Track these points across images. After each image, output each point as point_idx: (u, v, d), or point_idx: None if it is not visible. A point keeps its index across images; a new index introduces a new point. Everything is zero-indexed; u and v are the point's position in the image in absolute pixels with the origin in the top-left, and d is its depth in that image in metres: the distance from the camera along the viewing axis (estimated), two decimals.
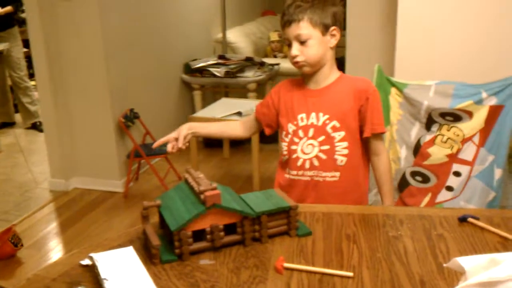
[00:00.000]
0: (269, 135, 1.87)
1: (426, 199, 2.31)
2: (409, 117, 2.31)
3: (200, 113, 3.64)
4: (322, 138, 1.64)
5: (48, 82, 3.50)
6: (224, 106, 3.67)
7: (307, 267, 1.17)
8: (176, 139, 1.69)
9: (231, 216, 1.24)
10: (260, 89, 4.41)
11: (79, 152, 3.70)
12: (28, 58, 4.79)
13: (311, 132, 1.65)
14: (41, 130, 4.61)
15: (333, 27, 1.62)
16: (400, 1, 2.37)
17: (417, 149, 2.31)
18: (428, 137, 2.28)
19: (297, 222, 1.32)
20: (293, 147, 1.68)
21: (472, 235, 1.31)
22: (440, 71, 2.34)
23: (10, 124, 5.33)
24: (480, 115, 2.19)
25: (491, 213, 1.47)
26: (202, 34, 4.88)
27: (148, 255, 1.22)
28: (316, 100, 1.67)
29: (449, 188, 2.28)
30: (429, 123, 2.28)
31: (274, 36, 5.38)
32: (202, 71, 4.38)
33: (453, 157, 2.25)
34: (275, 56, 5.32)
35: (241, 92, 4.40)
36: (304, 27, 1.58)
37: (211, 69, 4.35)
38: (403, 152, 2.33)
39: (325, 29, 1.61)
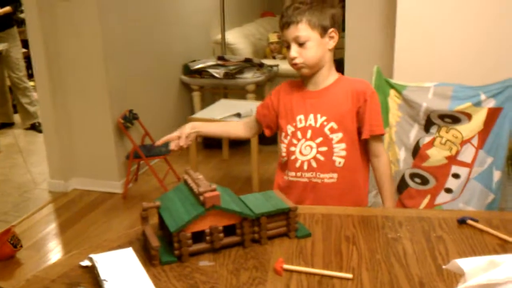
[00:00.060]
0: (268, 137, 1.87)
1: (425, 201, 2.32)
2: (408, 119, 2.31)
3: (199, 114, 3.64)
4: (320, 139, 1.65)
5: (47, 83, 3.50)
6: (223, 107, 3.67)
7: (307, 268, 1.17)
8: (179, 138, 1.70)
9: (230, 218, 1.24)
10: (259, 91, 4.42)
11: (78, 153, 3.70)
12: (27, 58, 4.80)
13: (309, 133, 1.65)
14: (40, 131, 4.60)
15: (331, 29, 1.62)
16: (399, 2, 2.37)
17: (416, 151, 2.31)
18: (427, 139, 2.29)
19: (296, 223, 1.32)
20: (292, 148, 1.68)
21: (471, 237, 1.31)
22: (439, 73, 2.35)
23: (9, 125, 5.32)
24: (479, 117, 2.19)
25: (490, 215, 1.47)
26: (201, 35, 4.88)
27: (147, 256, 1.22)
28: (314, 101, 1.67)
29: (448, 190, 2.28)
30: (428, 125, 2.28)
31: (273, 38, 5.38)
32: (201, 72, 4.38)
33: (452, 159, 2.25)
34: (274, 58, 5.32)
35: (240, 93, 4.41)
36: (303, 29, 1.59)
37: (210, 70, 4.35)
38: (402, 154, 2.33)
39: (323, 31, 1.61)
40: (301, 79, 1.72)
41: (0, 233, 2.85)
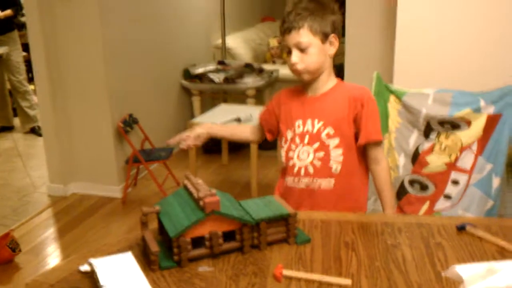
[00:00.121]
0: (270, 141, 1.89)
1: (425, 207, 2.32)
2: (408, 125, 2.31)
3: (199, 119, 3.64)
4: (317, 144, 1.65)
5: (48, 86, 3.50)
6: (223, 112, 3.68)
7: (306, 274, 1.17)
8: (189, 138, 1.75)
9: (230, 223, 1.24)
10: (259, 95, 4.42)
11: (77, 157, 3.70)
12: (28, 62, 4.80)
13: (306, 138, 1.66)
14: (40, 135, 4.61)
15: (332, 35, 1.62)
16: (399, 9, 2.38)
17: (416, 157, 2.31)
18: (426, 145, 2.29)
19: (296, 229, 1.32)
20: (290, 154, 1.69)
21: (470, 244, 1.31)
22: (438, 78, 2.35)
23: (9, 128, 5.33)
24: (478, 124, 2.20)
25: (489, 222, 1.47)
26: (201, 40, 4.89)
27: (147, 261, 1.22)
28: (312, 107, 1.67)
29: (448, 197, 2.28)
30: (427, 131, 2.29)
31: (274, 42, 5.39)
32: (201, 77, 4.39)
33: (451, 166, 2.26)
34: (274, 62, 5.33)
35: (240, 98, 4.41)
36: (304, 35, 1.59)
37: (210, 75, 4.36)
38: (402, 160, 2.34)
39: (324, 37, 1.61)
40: (301, 85, 1.73)
41: None
